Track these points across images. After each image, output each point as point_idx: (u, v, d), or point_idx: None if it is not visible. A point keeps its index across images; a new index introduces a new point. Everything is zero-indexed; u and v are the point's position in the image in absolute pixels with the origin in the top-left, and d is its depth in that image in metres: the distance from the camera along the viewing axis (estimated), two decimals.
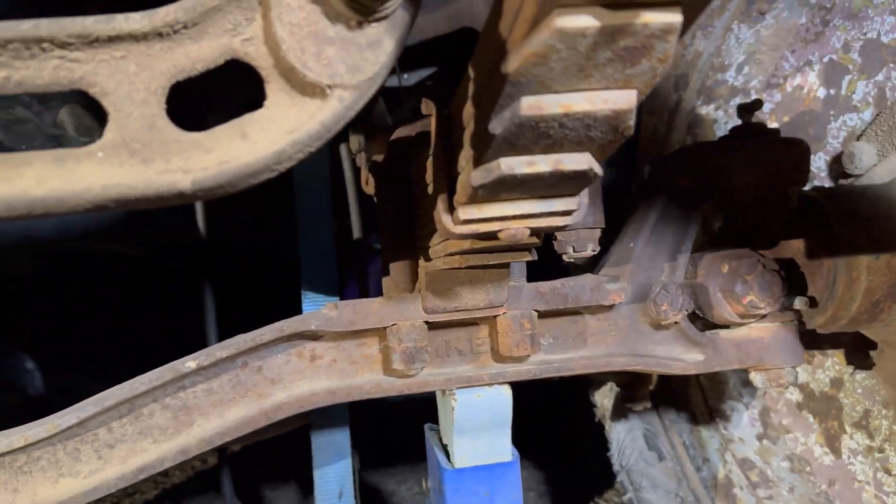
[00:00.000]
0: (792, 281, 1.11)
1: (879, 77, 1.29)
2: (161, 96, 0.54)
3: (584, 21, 0.43)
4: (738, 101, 1.50)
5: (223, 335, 1.02)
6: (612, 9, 0.43)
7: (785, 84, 1.43)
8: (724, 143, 1.11)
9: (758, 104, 1.11)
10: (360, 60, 0.54)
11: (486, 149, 0.54)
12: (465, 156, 0.59)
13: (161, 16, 0.52)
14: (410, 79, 2.31)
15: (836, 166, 1.38)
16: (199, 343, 1.18)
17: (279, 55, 0.54)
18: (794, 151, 1.08)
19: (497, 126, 0.51)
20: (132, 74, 0.53)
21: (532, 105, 0.49)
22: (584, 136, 0.55)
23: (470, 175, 0.59)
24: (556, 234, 1.05)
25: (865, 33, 1.31)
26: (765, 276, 1.01)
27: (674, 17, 0.45)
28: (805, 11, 1.36)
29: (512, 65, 0.45)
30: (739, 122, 1.51)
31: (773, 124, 1.48)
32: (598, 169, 0.58)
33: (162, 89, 0.54)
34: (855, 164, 1.28)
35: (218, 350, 0.95)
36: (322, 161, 1.48)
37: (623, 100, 0.52)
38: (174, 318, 1.41)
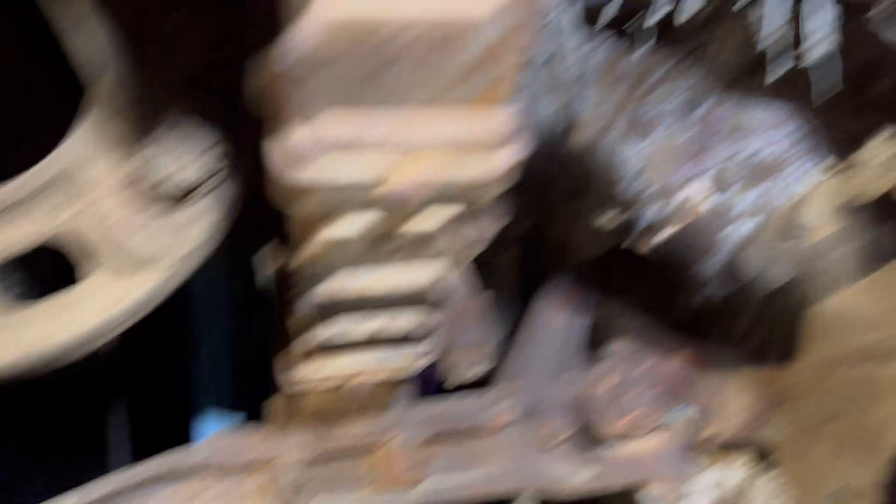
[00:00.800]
0: (681, 391, 1.13)
1: (761, 188, 1.36)
2: None
3: (346, 230, 0.45)
4: (637, 208, 1.56)
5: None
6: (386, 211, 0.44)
7: (678, 193, 1.50)
8: (606, 264, 1.15)
9: None
10: (176, 239, 0.55)
11: (303, 318, 0.55)
12: (293, 320, 0.61)
13: None
14: None
15: (727, 275, 1.43)
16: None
17: (94, 237, 0.55)
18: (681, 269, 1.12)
19: (303, 306, 0.53)
20: None
21: (326, 291, 0.50)
22: (398, 305, 0.57)
23: (299, 338, 0.60)
24: (443, 354, 1.06)
25: (746, 147, 1.38)
26: (652, 389, 1.03)
27: (450, 211, 0.47)
28: (693, 125, 1.43)
29: (294, 262, 0.47)
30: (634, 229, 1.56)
31: (670, 231, 1.54)
32: (430, 323, 0.59)
33: None
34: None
35: (94, 490, 0.92)
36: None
37: (423, 277, 0.53)
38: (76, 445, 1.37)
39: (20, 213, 0.55)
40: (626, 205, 1.57)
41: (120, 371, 1.41)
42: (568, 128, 1.47)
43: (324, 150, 0.41)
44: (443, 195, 0.46)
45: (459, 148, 0.43)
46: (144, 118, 0.56)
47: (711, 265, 1.51)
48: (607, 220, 1.60)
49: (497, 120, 0.43)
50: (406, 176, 0.43)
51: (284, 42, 0.36)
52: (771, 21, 0.84)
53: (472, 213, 0.50)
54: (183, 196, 0.55)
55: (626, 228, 1.60)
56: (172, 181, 0.55)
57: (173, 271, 0.56)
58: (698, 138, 1.45)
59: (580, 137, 1.48)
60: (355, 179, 0.43)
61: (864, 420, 1.08)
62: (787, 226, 1.30)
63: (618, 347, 1.12)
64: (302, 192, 0.44)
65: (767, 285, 1.35)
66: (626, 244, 1.62)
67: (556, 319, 1.11)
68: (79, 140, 0.57)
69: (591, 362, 1.15)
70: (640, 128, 1.45)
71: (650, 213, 1.58)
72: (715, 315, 1.18)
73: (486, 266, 1.71)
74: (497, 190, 0.47)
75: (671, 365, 1.12)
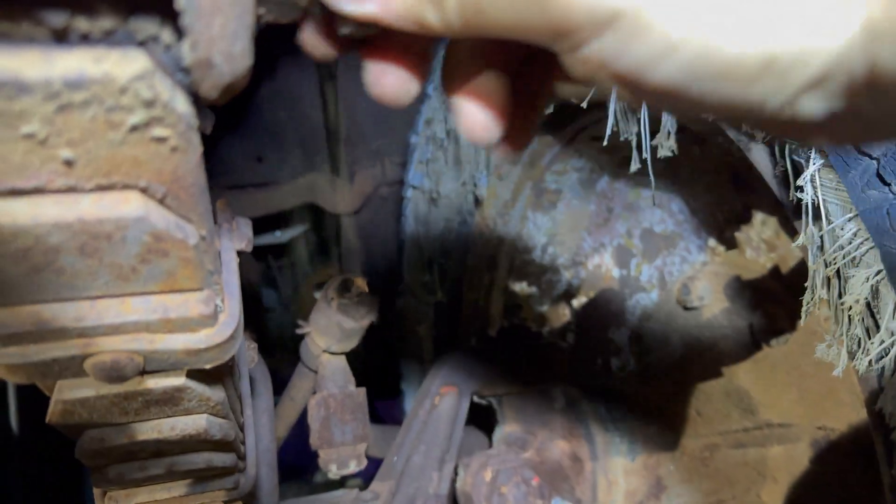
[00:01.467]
0: (562, 481, 1.12)
1: (658, 262, 1.37)
2: None
3: (84, 392, 0.45)
4: (548, 277, 1.57)
5: None
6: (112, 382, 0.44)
7: (587, 262, 1.51)
8: (490, 349, 1.15)
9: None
10: None
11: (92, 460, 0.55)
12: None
13: None
14: (284, 236, 2.36)
15: (634, 343, 1.44)
16: None
17: None
18: (558, 356, 1.12)
19: (80, 451, 0.53)
20: None
21: (95, 438, 0.50)
22: (174, 450, 0.56)
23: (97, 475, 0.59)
24: (318, 451, 1.05)
25: (641, 223, 1.39)
26: (521, 487, 1.02)
27: (178, 380, 0.47)
28: (592, 199, 1.44)
29: (49, 416, 0.47)
30: (549, 296, 1.56)
31: (582, 299, 1.54)
32: (223, 460, 0.59)
33: None
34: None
35: None
36: None
37: (185, 427, 0.53)
38: None
39: None
40: (538, 274, 1.58)
41: None
42: (474, 201, 1.48)
43: (12, 341, 0.42)
44: (159, 364, 0.47)
45: (156, 328, 0.44)
46: None
47: (621, 334, 1.51)
48: (519, 288, 1.61)
49: (189, 304, 0.43)
50: (107, 353, 0.44)
51: None
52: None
53: (207, 375, 0.50)
54: None
55: (538, 296, 1.61)
56: None
57: None
58: (600, 211, 1.47)
59: (487, 210, 1.50)
60: (54, 357, 0.43)
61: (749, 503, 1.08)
62: (682, 299, 1.31)
63: (501, 434, 1.12)
64: (14, 368, 0.44)
65: (664, 358, 1.35)
66: (542, 311, 1.63)
67: (444, 403, 1.10)
68: None
69: (474, 449, 1.14)
70: (544, 201, 1.47)
71: (563, 280, 1.58)
72: (586, 407, 1.18)
73: (403, 337, 1.71)
74: (218, 358, 0.47)
75: (553, 452, 1.11)
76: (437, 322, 1.66)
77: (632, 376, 1.48)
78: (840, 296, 0.66)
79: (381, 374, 1.83)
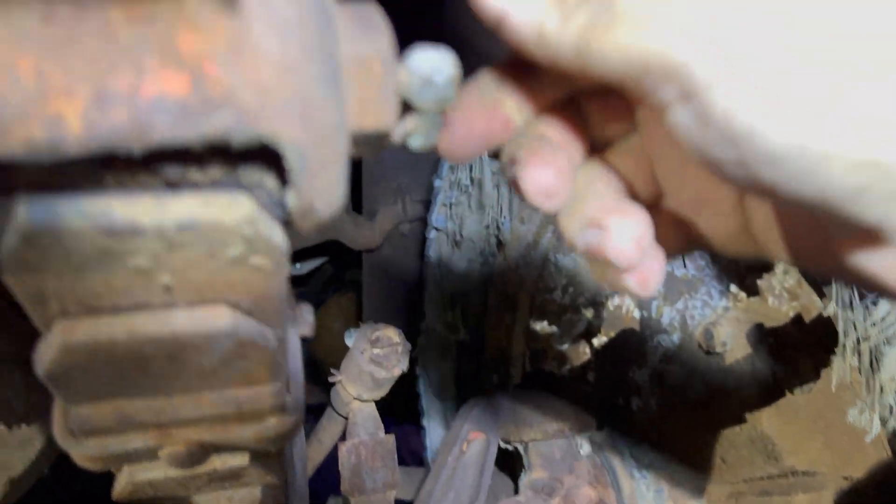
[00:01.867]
0: None
1: (679, 305, 1.38)
2: None
3: (153, 474, 0.47)
4: (569, 316, 1.59)
5: None
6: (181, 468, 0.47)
7: (607, 303, 1.52)
8: (517, 395, 1.17)
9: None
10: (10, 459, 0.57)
11: None
12: None
13: None
14: (303, 268, 2.39)
15: (655, 383, 1.45)
16: None
17: None
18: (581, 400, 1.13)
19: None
20: None
21: None
22: None
23: None
24: (347, 497, 1.07)
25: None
26: None
27: (243, 461, 0.49)
28: None
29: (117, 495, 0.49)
30: (570, 335, 1.58)
31: (602, 339, 1.56)
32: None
33: None
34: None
35: None
36: None
37: (247, 496, 0.55)
38: None
39: None
40: (558, 313, 1.60)
41: None
42: (497, 243, 1.50)
43: (94, 433, 0.44)
44: (228, 448, 0.49)
45: (229, 419, 0.46)
46: None
47: (641, 374, 1.53)
48: (540, 327, 1.63)
49: (260, 396, 0.45)
50: (181, 442, 0.46)
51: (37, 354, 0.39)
52: None
53: (267, 457, 0.52)
54: None
55: (559, 335, 1.62)
56: None
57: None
58: None
59: (509, 252, 1.52)
60: (132, 448, 0.45)
61: None
62: (704, 344, 1.32)
63: (527, 480, 1.13)
64: (93, 458, 0.46)
65: (687, 401, 1.36)
66: (563, 349, 1.65)
67: (472, 449, 1.12)
68: None
69: (500, 495, 1.15)
70: (566, 244, 1.49)
71: (583, 320, 1.60)
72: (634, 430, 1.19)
73: (426, 373, 1.74)
74: (284, 442, 0.49)
75: (580, 499, 1.13)
76: (459, 360, 1.68)
77: (654, 418, 1.49)
78: (872, 366, 0.68)
79: (399, 400, 1.85)
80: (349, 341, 1.11)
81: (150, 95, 0.27)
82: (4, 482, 0.61)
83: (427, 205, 1.65)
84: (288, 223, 0.36)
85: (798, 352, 1.20)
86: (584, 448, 1.19)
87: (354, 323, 1.81)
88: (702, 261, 1.34)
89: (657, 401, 1.52)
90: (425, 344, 1.68)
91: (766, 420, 1.23)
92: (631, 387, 1.55)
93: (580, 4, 0.34)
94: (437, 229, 1.53)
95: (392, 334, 1.06)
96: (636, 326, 1.52)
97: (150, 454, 0.48)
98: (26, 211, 0.30)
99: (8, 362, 0.62)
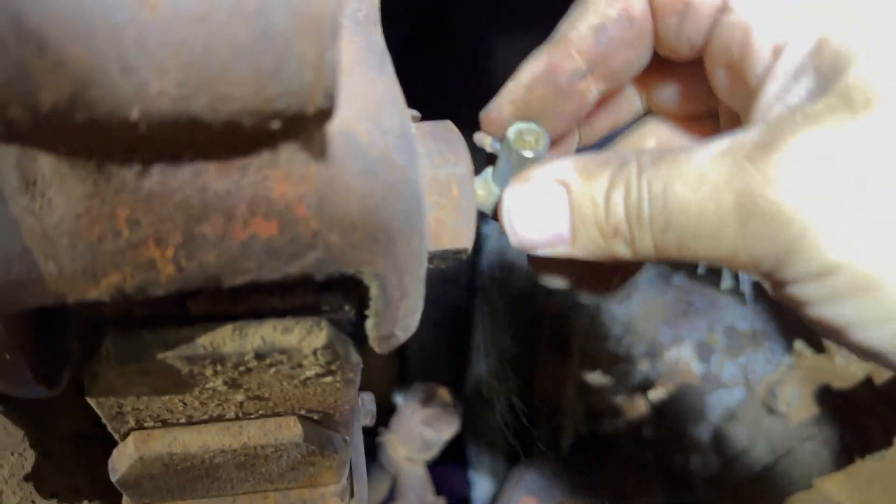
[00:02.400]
0: None
1: (741, 360, 1.35)
2: None
3: None
4: (623, 367, 1.56)
5: None
6: None
7: (664, 354, 1.49)
8: (571, 461, 1.15)
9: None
10: None
11: None
12: None
13: None
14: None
15: (715, 442, 1.41)
16: None
17: None
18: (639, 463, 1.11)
19: None
20: None
21: None
22: None
23: None
24: None
25: (723, 319, 1.38)
26: None
27: None
28: (670, 292, 1.44)
29: None
30: (624, 387, 1.55)
31: (658, 393, 1.52)
32: None
33: None
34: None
35: None
36: None
37: None
38: None
39: None
40: (612, 364, 1.57)
41: None
42: (546, 292, 1.49)
43: None
44: None
45: None
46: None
47: (701, 432, 1.48)
48: (593, 378, 1.60)
49: (325, 497, 0.45)
50: None
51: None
52: None
53: None
54: None
55: (612, 387, 1.59)
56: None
57: None
58: (679, 304, 1.46)
59: (559, 301, 1.50)
60: None
61: None
62: (768, 402, 1.28)
63: None
64: None
65: (750, 464, 1.32)
66: (617, 402, 1.61)
67: None
68: None
69: None
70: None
71: (639, 372, 1.57)
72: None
73: (473, 425, 1.72)
74: None
75: None
76: (507, 410, 1.66)
77: (715, 480, 1.45)
78: None
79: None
80: (399, 401, 1.10)
81: (240, 239, 0.28)
82: None
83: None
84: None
85: (868, 415, 1.15)
86: None
87: (394, 361, 1.81)
88: (765, 314, 1.30)
89: (718, 461, 1.47)
90: (472, 392, 1.66)
91: (834, 487, 1.18)
92: (690, 445, 1.51)
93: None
94: (484, 274, 1.53)
95: (444, 395, 1.06)
96: (695, 381, 1.48)
97: None
98: (113, 343, 0.31)
99: (71, 441, 0.63)
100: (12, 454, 0.61)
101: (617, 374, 1.60)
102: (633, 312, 1.51)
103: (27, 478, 0.62)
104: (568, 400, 1.62)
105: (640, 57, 0.42)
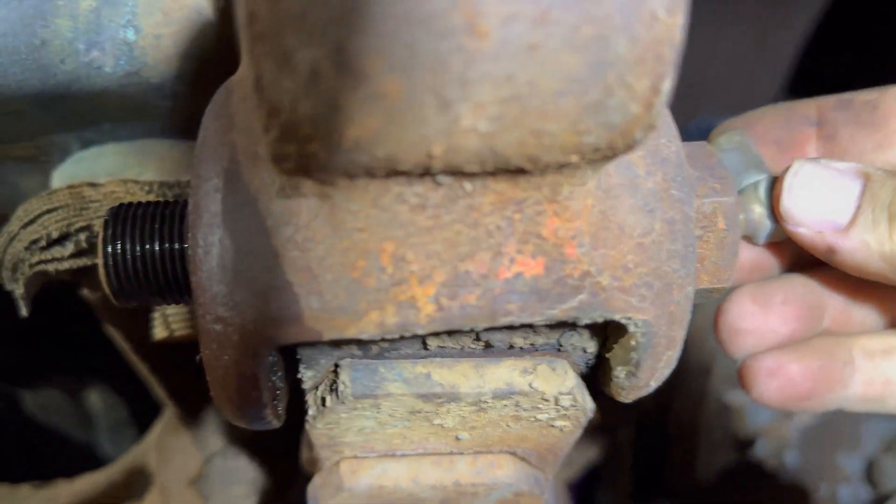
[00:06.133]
0: None
1: None
2: None
3: None
4: None
5: None
6: None
7: None
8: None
9: None
10: None
11: None
12: None
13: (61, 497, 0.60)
14: None
15: (868, 473, 1.31)
16: None
17: None
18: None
19: None
20: None
21: None
22: None
23: None
24: None
25: None
26: None
27: None
28: None
29: None
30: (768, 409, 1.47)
31: (804, 417, 1.43)
32: None
33: None
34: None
35: None
36: None
37: None
38: None
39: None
40: None
41: None
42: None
43: None
44: None
45: None
46: (205, 431, 0.62)
47: (853, 461, 1.39)
48: (733, 398, 1.52)
49: None
50: None
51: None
52: None
53: None
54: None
55: (753, 408, 1.51)
56: (226, 492, 0.60)
57: None
58: None
59: (706, 310, 1.43)
60: None
61: None
62: None
63: None
64: None
65: None
66: (758, 425, 1.53)
67: None
68: (154, 440, 0.64)
69: None
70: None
71: None
72: None
73: (602, 444, 1.67)
74: None
75: None
76: (639, 431, 1.61)
77: None
78: None
79: None
80: None
81: (504, 278, 0.26)
82: None
83: None
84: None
85: None
86: None
87: None
88: None
89: (870, 494, 1.37)
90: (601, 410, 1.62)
91: None
92: (838, 475, 1.41)
93: None
94: None
95: None
96: None
97: None
98: (349, 377, 0.30)
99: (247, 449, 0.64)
100: None
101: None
102: None
103: None
104: (705, 421, 1.55)
105: None
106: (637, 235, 0.26)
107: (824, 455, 1.42)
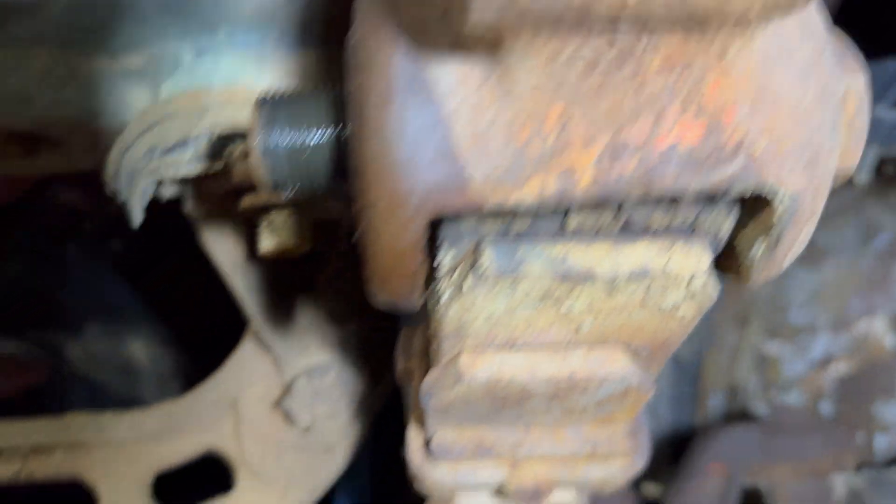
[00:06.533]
0: None
1: None
2: (146, 485, 0.64)
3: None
4: (804, 338, 1.48)
5: None
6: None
7: (852, 328, 1.41)
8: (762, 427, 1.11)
9: None
10: (314, 466, 0.62)
11: None
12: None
13: (146, 424, 0.63)
14: None
15: None
16: None
17: (245, 452, 0.62)
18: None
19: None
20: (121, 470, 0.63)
21: None
22: None
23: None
24: None
25: None
26: None
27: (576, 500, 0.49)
28: (867, 256, 1.35)
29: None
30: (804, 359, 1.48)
31: (840, 366, 1.44)
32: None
33: (148, 481, 0.64)
34: None
35: None
36: None
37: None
38: None
39: (185, 428, 0.64)
40: (791, 334, 1.50)
41: None
42: None
43: (450, 458, 0.45)
44: (570, 487, 0.49)
45: (580, 459, 0.46)
46: (289, 353, 0.63)
47: (890, 410, 1.40)
48: (769, 348, 1.53)
49: (615, 436, 0.45)
50: (529, 477, 0.47)
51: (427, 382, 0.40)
52: None
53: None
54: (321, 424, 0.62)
55: (790, 358, 1.52)
56: (311, 411, 0.62)
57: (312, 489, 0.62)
58: (875, 272, 1.36)
59: None
60: (481, 480, 0.46)
61: None
62: None
63: None
64: (436, 484, 0.48)
65: None
66: (794, 375, 1.54)
67: (709, 483, 1.08)
68: (235, 366, 0.65)
69: None
70: (811, 256, 1.39)
71: (821, 344, 1.49)
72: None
73: None
74: (619, 486, 0.48)
75: None
76: (676, 380, 1.62)
77: None
78: None
79: None
80: None
81: (663, 146, 0.27)
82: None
83: None
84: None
85: None
86: (838, 492, 1.11)
87: None
88: None
89: None
90: None
91: None
92: (873, 424, 1.42)
93: None
94: None
95: None
96: (886, 356, 1.39)
97: (497, 487, 0.48)
98: (492, 256, 0.31)
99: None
100: None
101: (796, 344, 1.52)
102: (822, 280, 1.43)
103: None
104: (741, 373, 1.56)
105: None
106: (792, 103, 0.27)
107: (860, 405, 1.44)
